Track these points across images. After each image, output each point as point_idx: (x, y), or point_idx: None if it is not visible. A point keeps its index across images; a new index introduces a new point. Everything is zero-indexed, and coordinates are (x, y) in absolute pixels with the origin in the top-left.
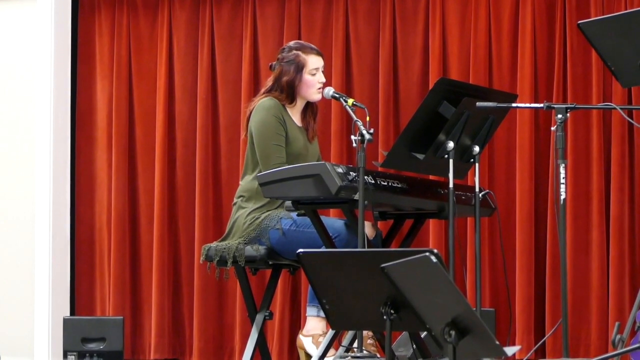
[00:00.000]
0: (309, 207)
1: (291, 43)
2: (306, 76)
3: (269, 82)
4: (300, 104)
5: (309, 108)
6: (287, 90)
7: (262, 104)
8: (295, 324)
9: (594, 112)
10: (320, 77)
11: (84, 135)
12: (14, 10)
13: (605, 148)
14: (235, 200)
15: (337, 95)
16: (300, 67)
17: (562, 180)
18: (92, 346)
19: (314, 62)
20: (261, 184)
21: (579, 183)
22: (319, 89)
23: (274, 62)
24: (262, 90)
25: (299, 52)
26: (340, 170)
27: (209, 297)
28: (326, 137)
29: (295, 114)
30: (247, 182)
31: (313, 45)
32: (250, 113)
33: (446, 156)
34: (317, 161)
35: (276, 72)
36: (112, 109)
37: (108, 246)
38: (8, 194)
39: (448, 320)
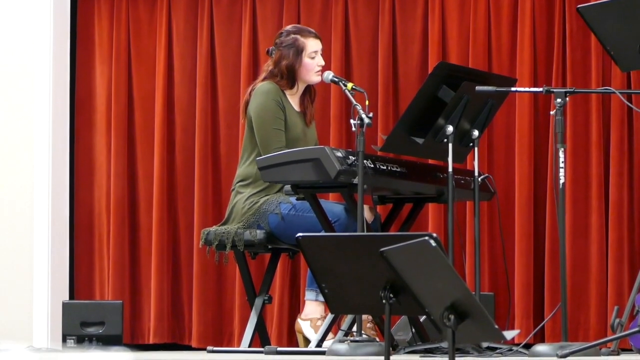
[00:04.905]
0: (308, 191)
1: (289, 27)
2: (305, 59)
3: (267, 67)
4: (300, 89)
5: (308, 92)
6: (288, 75)
7: (261, 88)
8: (295, 308)
9: (593, 97)
10: (320, 60)
11: (83, 120)
12: None
13: (604, 132)
14: (233, 185)
15: (337, 80)
16: (299, 51)
17: (561, 165)
18: (91, 330)
19: (312, 45)
20: (260, 168)
21: (578, 167)
22: (318, 71)
23: (271, 47)
24: (261, 76)
25: (298, 36)
26: (339, 154)
27: (208, 281)
28: (325, 121)
29: (294, 98)
30: (244, 167)
31: (311, 29)
32: (249, 98)
33: (445, 140)
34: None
35: (275, 57)
36: (111, 93)
37: (107, 230)
38: (7, 178)
39: (447, 304)
